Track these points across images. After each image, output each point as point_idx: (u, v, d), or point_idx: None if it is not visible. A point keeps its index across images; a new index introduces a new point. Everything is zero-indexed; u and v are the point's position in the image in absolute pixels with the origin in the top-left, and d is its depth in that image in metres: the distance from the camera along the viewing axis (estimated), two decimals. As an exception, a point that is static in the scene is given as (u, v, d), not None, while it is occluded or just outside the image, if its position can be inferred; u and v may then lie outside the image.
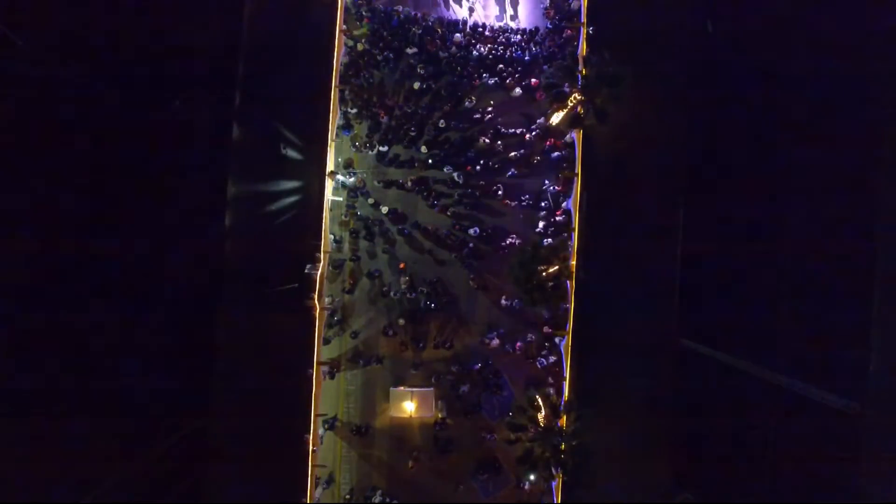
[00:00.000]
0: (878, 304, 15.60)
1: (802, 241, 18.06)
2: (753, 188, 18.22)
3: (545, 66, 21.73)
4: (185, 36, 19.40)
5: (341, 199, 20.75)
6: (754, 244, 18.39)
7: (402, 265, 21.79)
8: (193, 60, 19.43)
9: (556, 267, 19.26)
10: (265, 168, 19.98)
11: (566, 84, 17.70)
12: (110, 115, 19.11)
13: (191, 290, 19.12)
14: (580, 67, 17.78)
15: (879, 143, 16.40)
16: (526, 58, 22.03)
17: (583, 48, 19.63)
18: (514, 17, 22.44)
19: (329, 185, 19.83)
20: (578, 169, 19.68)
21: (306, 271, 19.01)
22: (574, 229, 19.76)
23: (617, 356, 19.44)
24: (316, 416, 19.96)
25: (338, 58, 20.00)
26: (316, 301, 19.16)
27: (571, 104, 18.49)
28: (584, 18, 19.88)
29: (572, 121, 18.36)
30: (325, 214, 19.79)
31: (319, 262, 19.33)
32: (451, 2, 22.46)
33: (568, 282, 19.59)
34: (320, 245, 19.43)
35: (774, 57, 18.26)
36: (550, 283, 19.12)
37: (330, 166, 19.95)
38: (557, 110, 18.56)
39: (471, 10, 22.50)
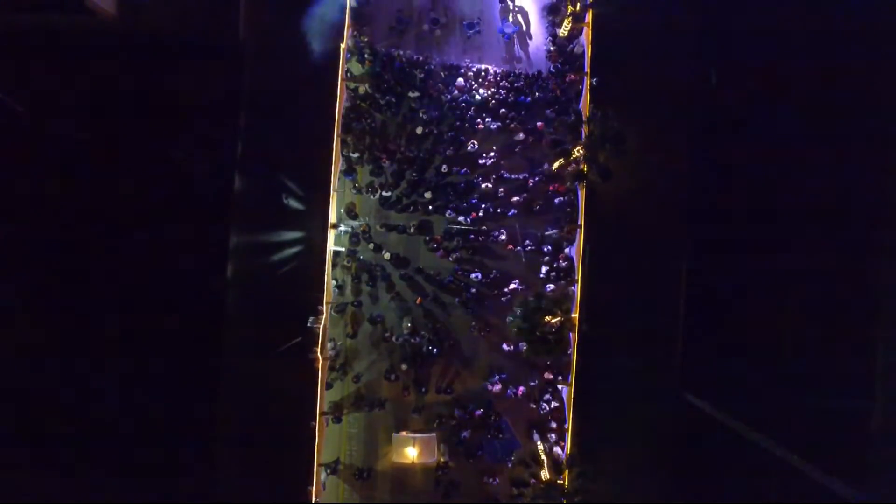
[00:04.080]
0: (882, 367, 15.65)
1: (805, 297, 18.05)
2: (756, 244, 18.18)
3: (548, 111, 21.64)
4: (185, 86, 19.28)
5: (343, 249, 20.69)
6: (756, 300, 18.38)
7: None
8: (194, 111, 19.30)
9: (559, 318, 19.23)
10: (267, 219, 19.91)
11: (569, 140, 17.61)
12: (111, 167, 19.04)
13: (192, 342, 19.07)
14: (584, 123, 17.67)
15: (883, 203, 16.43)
16: (528, 100, 21.90)
17: (586, 100, 19.47)
18: (516, 61, 22.28)
19: (331, 235, 19.77)
20: (581, 220, 19.60)
21: (308, 325, 18.97)
22: (577, 280, 19.70)
23: (619, 410, 19.45)
24: (319, 465, 19.99)
25: (340, 107, 19.87)
26: (318, 354, 19.13)
27: (575, 156, 18.41)
28: (587, 68, 19.68)
29: (576, 176, 18.28)
30: (328, 266, 19.74)
31: (322, 314, 19.29)
32: (454, 45, 22.29)
33: (571, 333, 19.55)
34: (322, 297, 19.37)
35: (780, 112, 18.16)
36: (552, 335, 19.08)
37: (332, 217, 19.87)
38: (562, 165, 18.48)
39: (473, 53, 22.35)
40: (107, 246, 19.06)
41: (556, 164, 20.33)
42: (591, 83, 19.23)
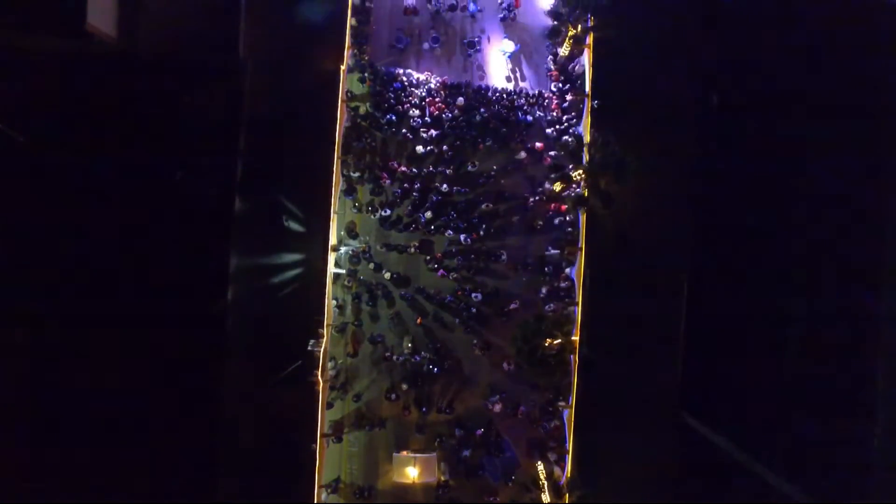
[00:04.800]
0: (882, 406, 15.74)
1: (806, 321, 18.14)
2: (757, 269, 18.24)
3: (548, 131, 21.63)
4: (186, 107, 19.24)
5: (343, 271, 20.68)
6: (757, 324, 18.46)
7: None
8: (195, 133, 19.27)
9: (559, 340, 19.28)
10: (268, 241, 19.87)
11: (571, 166, 17.61)
12: (112, 190, 19.02)
13: (193, 365, 19.08)
14: (584, 147, 17.67)
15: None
16: (528, 119, 21.86)
17: (587, 123, 19.42)
18: (517, 80, 22.24)
19: (332, 258, 19.76)
20: (582, 243, 19.59)
21: (309, 348, 18.98)
22: (578, 303, 19.72)
23: (620, 432, 19.51)
24: (319, 487, 20.03)
25: (340, 129, 19.83)
26: (319, 377, 19.14)
27: (576, 180, 18.42)
28: (588, 90, 19.64)
29: (577, 201, 18.29)
30: (328, 289, 19.73)
31: (322, 337, 19.29)
32: (455, 64, 22.25)
33: (571, 356, 19.59)
34: (323, 320, 19.37)
35: (783, 135, 18.22)
36: (553, 357, 19.13)
37: (333, 239, 19.85)
38: (563, 188, 18.50)
39: (474, 72, 22.32)
40: (106, 268, 19.01)
41: (556, 186, 20.32)
42: (592, 105, 19.18)
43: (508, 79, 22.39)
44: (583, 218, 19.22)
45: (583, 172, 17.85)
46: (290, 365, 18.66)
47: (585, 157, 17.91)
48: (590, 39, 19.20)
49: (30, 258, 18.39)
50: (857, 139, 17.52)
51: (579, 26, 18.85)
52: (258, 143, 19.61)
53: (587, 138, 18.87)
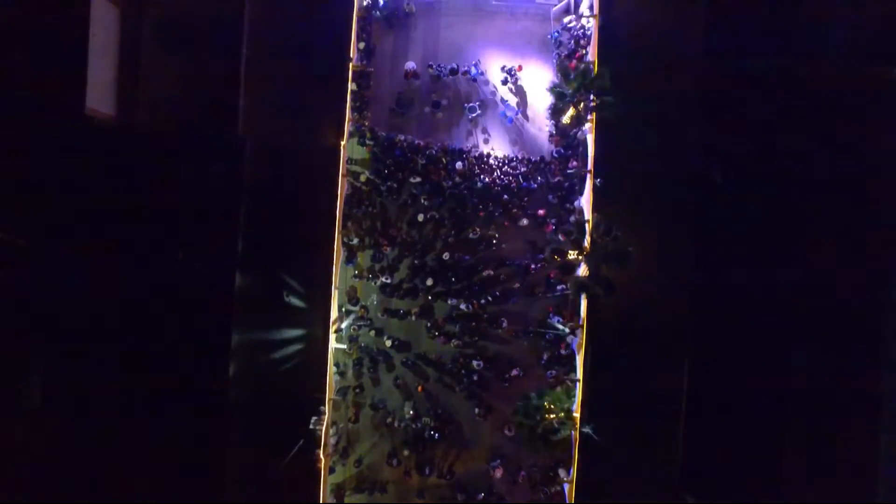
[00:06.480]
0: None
1: (807, 401, 18.26)
2: (758, 349, 18.31)
3: (550, 196, 21.55)
4: (186, 186, 19.21)
5: (345, 346, 20.72)
6: (758, 403, 18.54)
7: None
8: (195, 210, 19.25)
9: (557, 416, 19.35)
10: (269, 318, 19.89)
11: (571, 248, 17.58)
12: (112, 269, 19.03)
13: (193, 443, 19.20)
14: (586, 233, 17.61)
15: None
16: (532, 186, 21.75)
17: (588, 201, 19.31)
18: (518, 145, 22.09)
19: (332, 336, 19.81)
20: (584, 321, 19.57)
21: (311, 426, 19.09)
22: (579, 380, 19.76)
23: (621, 505, 19.66)
24: (322, 562, 20.23)
25: (341, 204, 19.77)
26: (321, 454, 19.26)
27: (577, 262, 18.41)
28: (590, 166, 19.49)
29: (578, 287, 18.26)
30: (330, 365, 19.81)
31: (324, 413, 19.40)
32: (455, 129, 22.10)
33: (572, 432, 19.64)
34: (324, 398, 19.47)
35: (789, 209, 18.19)
36: (553, 434, 19.20)
37: (334, 314, 19.88)
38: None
39: (475, 137, 22.18)
40: (107, 346, 19.11)
41: (557, 257, 20.28)
42: (594, 183, 19.04)
43: (510, 143, 22.25)
44: (584, 301, 19.20)
45: (583, 256, 17.79)
46: (292, 446, 18.72)
47: (587, 241, 17.80)
48: (592, 117, 19.01)
49: (30, 338, 18.47)
50: (867, 224, 17.49)
51: (581, 104, 18.64)
52: (259, 219, 19.58)
53: (588, 216, 18.78)
